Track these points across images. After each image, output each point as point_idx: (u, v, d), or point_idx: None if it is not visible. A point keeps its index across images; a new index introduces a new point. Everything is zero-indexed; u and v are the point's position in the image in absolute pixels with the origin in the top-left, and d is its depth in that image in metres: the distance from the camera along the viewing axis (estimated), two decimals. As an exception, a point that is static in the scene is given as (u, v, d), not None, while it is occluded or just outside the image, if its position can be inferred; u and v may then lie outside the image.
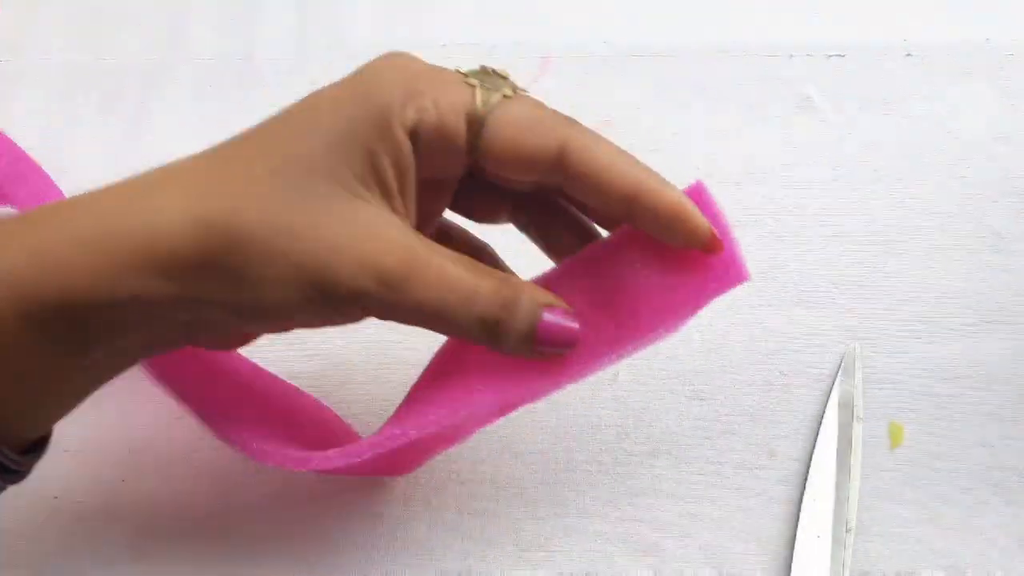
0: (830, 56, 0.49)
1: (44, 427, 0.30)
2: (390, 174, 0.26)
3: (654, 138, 0.47)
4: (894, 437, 0.40)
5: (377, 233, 0.26)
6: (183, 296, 0.25)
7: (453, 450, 0.40)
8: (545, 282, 0.31)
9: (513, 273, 0.33)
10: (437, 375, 0.32)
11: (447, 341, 0.33)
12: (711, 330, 0.42)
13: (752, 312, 0.43)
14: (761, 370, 0.41)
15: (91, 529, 0.39)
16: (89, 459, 0.40)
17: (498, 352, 0.29)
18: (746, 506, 0.39)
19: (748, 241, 0.44)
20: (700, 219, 0.28)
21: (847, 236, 0.44)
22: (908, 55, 0.49)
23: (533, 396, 0.32)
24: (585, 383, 0.41)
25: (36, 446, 0.30)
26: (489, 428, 0.40)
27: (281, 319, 0.27)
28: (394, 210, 0.27)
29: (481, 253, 0.35)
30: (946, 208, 0.45)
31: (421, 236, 0.27)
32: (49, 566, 0.38)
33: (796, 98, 0.48)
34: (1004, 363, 0.41)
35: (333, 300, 0.26)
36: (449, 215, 0.33)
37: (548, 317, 0.28)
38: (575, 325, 0.29)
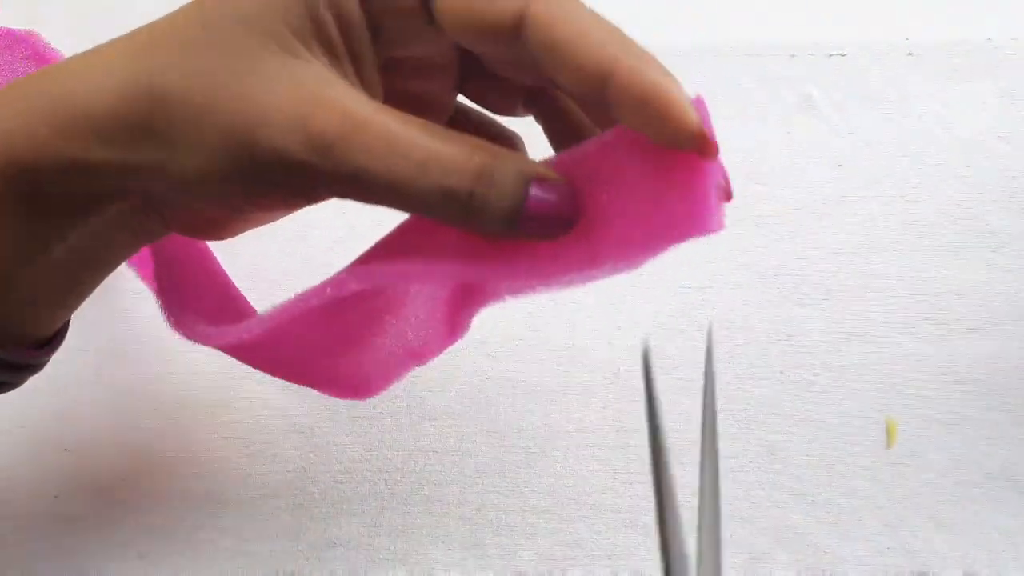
0: (831, 55, 0.49)
1: (48, 324, 0.30)
2: (335, 33, 0.24)
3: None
4: (890, 436, 0.40)
5: (310, 93, 0.23)
6: (122, 162, 0.24)
7: (452, 448, 0.40)
8: None
9: None
10: (389, 246, 0.28)
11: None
12: (712, 330, 0.42)
13: (751, 312, 0.43)
14: (760, 370, 0.41)
15: (91, 528, 0.39)
16: (89, 458, 0.40)
17: (470, 232, 0.25)
18: (745, 505, 0.39)
19: (748, 240, 0.44)
20: (687, 110, 0.22)
21: (847, 235, 0.44)
22: (909, 54, 0.49)
23: (503, 280, 0.27)
24: (584, 383, 0.41)
25: (52, 340, 0.30)
26: (488, 428, 0.40)
27: (221, 192, 0.24)
28: (343, 75, 0.24)
29: (504, 141, 0.30)
30: (946, 207, 0.45)
31: (372, 100, 0.24)
32: (48, 566, 0.38)
33: (797, 97, 0.48)
34: (1003, 363, 0.41)
35: (263, 168, 0.23)
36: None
37: (539, 190, 0.23)
38: (573, 201, 0.24)
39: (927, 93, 0.48)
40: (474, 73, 0.28)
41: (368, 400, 0.41)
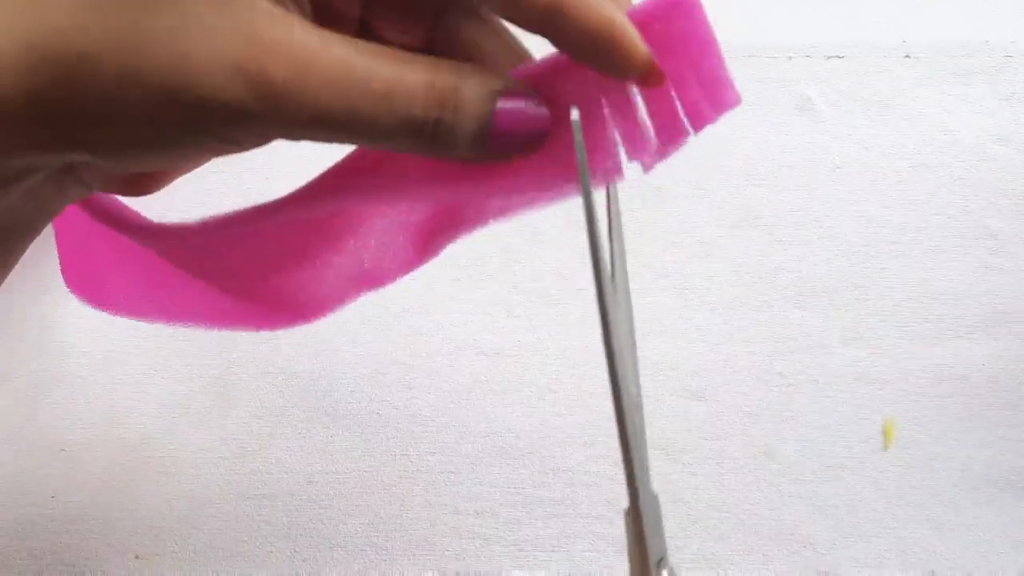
0: (829, 57, 0.49)
1: None
2: None
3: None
4: (888, 436, 0.40)
5: (249, 34, 0.20)
6: (37, 145, 0.21)
7: (451, 448, 0.40)
8: None
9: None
10: (353, 165, 0.26)
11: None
12: (710, 330, 0.42)
13: (751, 313, 0.43)
14: (759, 371, 0.41)
15: (89, 528, 0.39)
16: (86, 459, 0.40)
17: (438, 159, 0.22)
18: (745, 506, 0.39)
19: (748, 242, 0.44)
20: (636, 43, 0.21)
21: (846, 237, 0.44)
22: (907, 56, 0.49)
23: (478, 200, 0.26)
24: (583, 383, 0.41)
25: None
26: (487, 428, 0.40)
27: (159, 157, 0.22)
28: (281, 4, 0.22)
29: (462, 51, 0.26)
30: (944, 209, 0.45)
31: (319, 28, 0.21)
32: (47, 565, 0.38)
33: (795, 99, 0.48)
34: (1001, 364, 0.41)
35: (207, 125, 0.21)
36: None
37: (507, 103, 0.22)
38: (543, 110, 0.22)
39: (925, 95, 0.48)
40: None
41: (362, 401, 0.41)
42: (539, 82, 0.23)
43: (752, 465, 0.39)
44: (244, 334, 0.42)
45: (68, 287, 0.33)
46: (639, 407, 0.23)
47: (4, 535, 0.38)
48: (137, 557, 0.38)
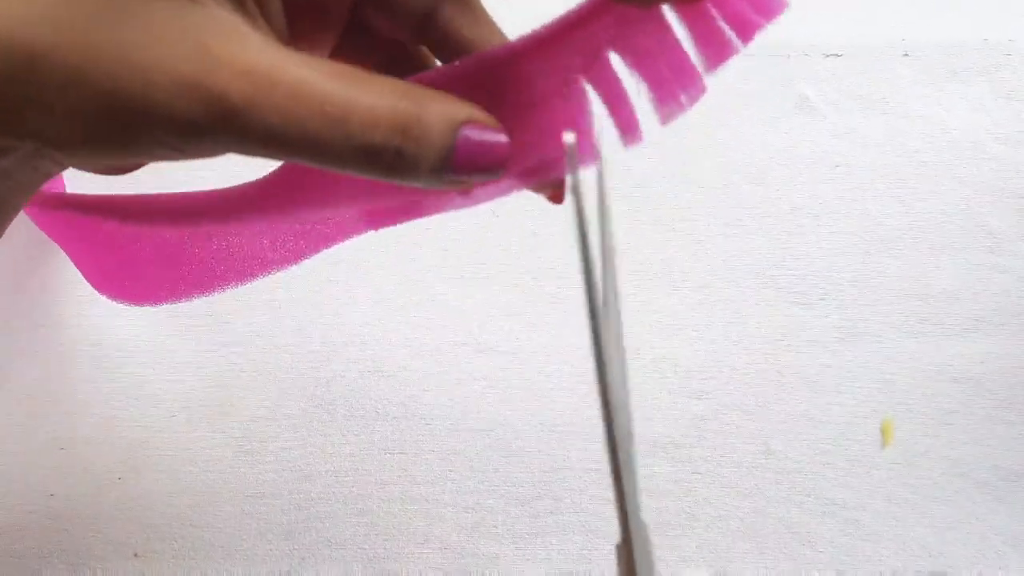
0: (827, 56, 0.49)
1: None
2: None
3: (651, 138, 0.47)
4: (886, 435, 0.40)
5: (205, 48, 0.20)
6: None
7: (451, 448, 0.40)
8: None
9: None
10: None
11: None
12: (709, 329, 0.42)
13: (750, 312, 0.43)
14: (758, 370, 0.41)
15: (88, 527, 0.39)
16: (85, 457, 0.40)
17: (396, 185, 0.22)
18: (743, 505, 0.39)
19: (746, 241, 0.44)
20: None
21: (844, 236, 0.44)
22: (905, 55, 0.49)
23: (425, 208, 0.26)
24: (583, 383, 0.41)
25: None
26: (487, 428, 0.40)
27: (111, 156, 0.22)
28: (242, 13, 0.21)
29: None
30: (943, 208, 0.45)
31: (279, 47, 0.21)
32: (44, 564, 0.38)
33: (794, 98, 0.48)
34: (999, 363, 0.41)
35: (153, 132, 0.20)
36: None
37: (469, 134, 0.21)
38: (503, 139, 0.22)
39: (924, 94, 0.48)
40: None
41: (362, 400, 0.41)
42: (515, 64, 0.23)
43: (751, 464, 0.39)
44: (244, 334, 0.43)
45: (103, 294, 0.33)
46: (631, 436, 0.23)
47: (4, 534, 0.38)
48: (136, 556, 0.38)
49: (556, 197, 0.26)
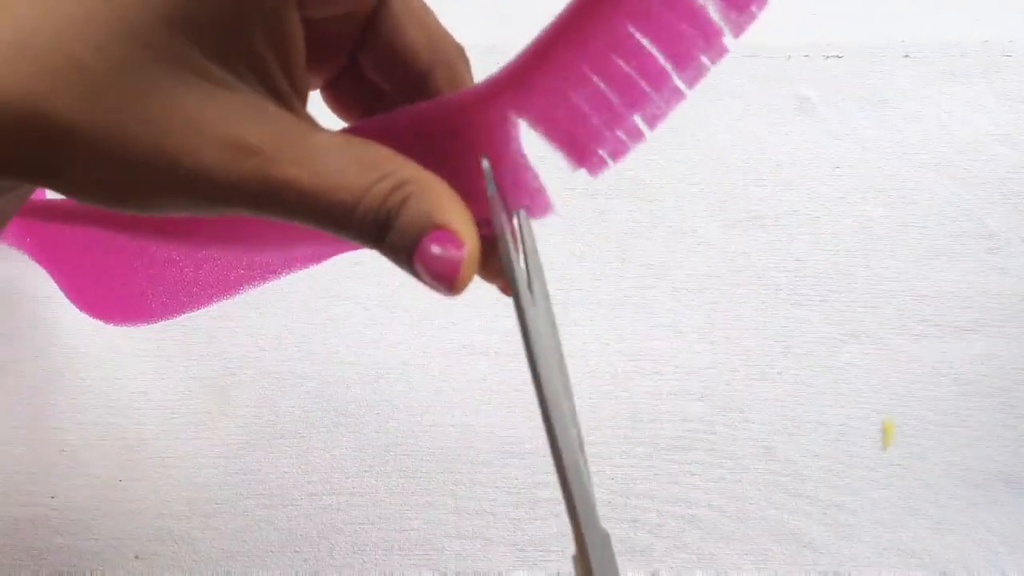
0: (828, 57, 0.49)
1: None
2: (266, 52, 0.21)
3: (652, 139, 0.47)
4: (887, 436, 0.40)
5: (237, 130, 0.21)
6: (9, 179, 0.21)
7: (451, 448, 0.40)
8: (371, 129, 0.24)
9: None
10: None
11: None
12: (709, 330, 0.42)
13: (750, 313, 0.43)
14: (758, 370, 0.41)
15: (88, 529, 0.39)
16: (86, 459, 0.40)
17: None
18: (744, 506, 0.39)
19: (747, 242, 0.44)
20: None
21: (844, 236, 0.44)
22: (906, 56, 0.49)
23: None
24: (583, 383, 0.41)
25: None
26: (487, 428, 0.40)
27: (117, 209, 0.23)
28: (274, 95, 0.22)
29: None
30: (943, 208, 0.45)
31: (298, 121, 0.22)
32: (46, 565, 0.38)
33: (794, 99, 0.48)
34: (999, 363, 0.41)
35: (173, 205, 0.22)
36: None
37: (431, 247, 0.22)
38: (460, 254, 0.23)
39: (924, 95, 0.48)
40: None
41: (361, 402, 0.41)
42: (449, 115, 0.24)
43: (751, 465, 0.39)
44: (244, 336, 0.43)
45: (88, 313, 0.33)
46: (582, 446, 0.23)
47: (4, 535, 0.38)
48: (137, 557, 0.38)
49: (507, 290, 0.27)
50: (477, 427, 0.40)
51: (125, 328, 0.43)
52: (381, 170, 0.22)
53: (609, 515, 0.39)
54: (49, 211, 0.30)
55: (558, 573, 0.38)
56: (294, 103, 0.23)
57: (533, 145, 0.24)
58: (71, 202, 0.29)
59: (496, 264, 0.27)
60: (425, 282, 0.23)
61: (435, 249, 0.22)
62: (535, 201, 0.24)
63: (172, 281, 0.32)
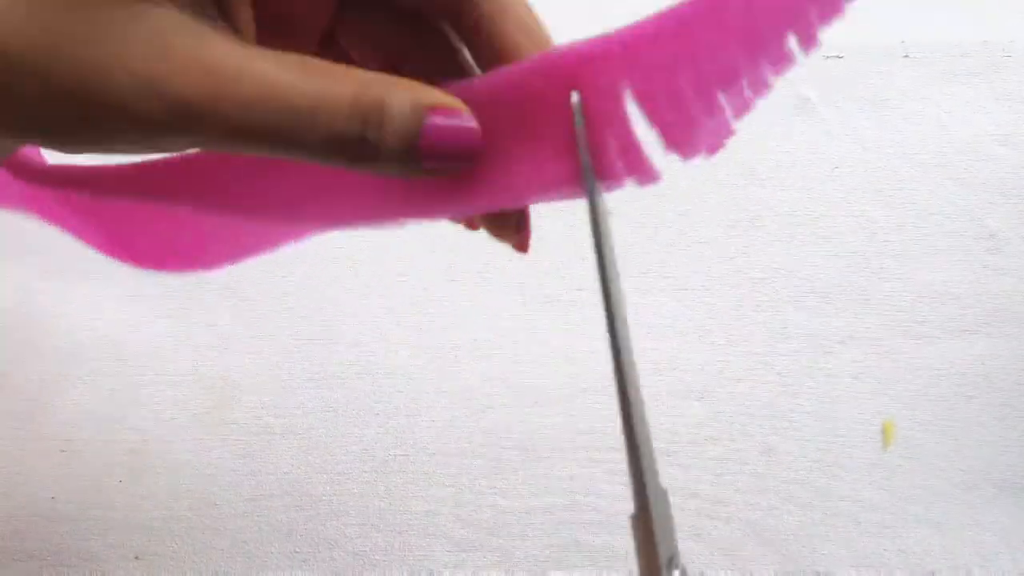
0: (828, 57, 0.49)
1: None
2: None
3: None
4: (887, 436, 0.40)
5: (166, 48, 0.20)
6: None
7: (451, 449, 0.40)
8: None
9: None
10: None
11: None
12: (710, 330, 0.42)
13: (750, 313, 0.43)
14: (758, 371, 0.41)
15: (88, 530, 0.39)
16: (86, 460, 0.40)
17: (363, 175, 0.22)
18: (744, 506, 0.39)
19: (747, 242, 0.44)
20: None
21: (844, 236, 0.44)
22: (906, 56, 0.49)
23: (395, 218, 0.25)
24: (582, 383, 0.41)
25: None
26: (487, 429, 0.40)
27: (75, 148, 0.22)
28: (203, 17, 0.21)
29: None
30: (943, 209, 0.45)
31: (243, 44, 0.21)
32: (47, 565, 0.38)
33: (795, 99, 0.48)
34: (999, 364, 0.41)
35: (118, 130, 0.21)
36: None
37: (436, 120, 0.21)
38: (473, 125, 0.21)
39: (924, 95, 0.48)
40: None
41: (362, 402, 0.41)
42: (553, 71, 0.22)
43: (752, 465, 0.39)
44: (244, 334, 0.43)
45: (138, 264, 0.33)
46: (643, 403, 0.23)
47: (4, 535, 0.38)
48: (137, 557, 0.38)
49: (521, 247, 0.26)
50: (477, 427, 0.40)
51: (126, 329, 0.43)
52: (343, 76, 0.21)
53: (609, 514, 0.39)
54: (56, 176, 0.30)
55: (558, 573, 0.38)
56: (220, 24, 0.22)
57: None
58: (80, 168, 0.28)
59: (509, 221, 0.26)
60: (435, 170, 0.22)
61: (439, 120, 0.21)
62: (639, 168, 0.23)
63: (225, 229, 0.31)
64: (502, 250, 0.40)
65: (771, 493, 0.39)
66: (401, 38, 0.26)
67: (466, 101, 0.22)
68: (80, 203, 0.31)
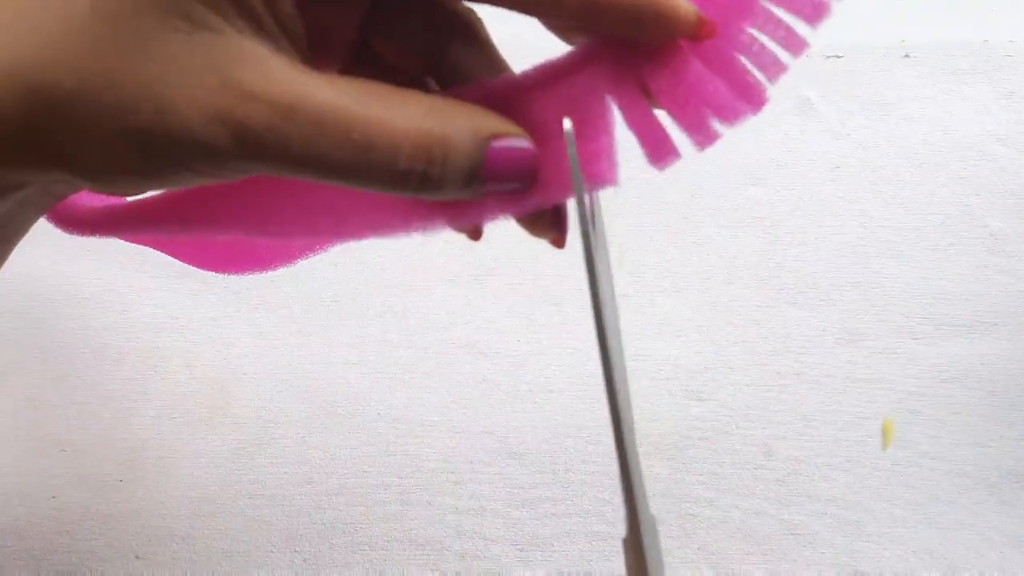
0: (828, 57, 0.49)
1: None
2: None
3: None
4: (887, 436, 0.40)
5: (228, 79, 0.20)
6: (9, 170, 0.21)
7: (451, 448, 0.40)
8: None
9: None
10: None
11: None
12: (709, 330, 0.42)
13: (750, 313, 0.43)
14: (757, 371, 0.41)
15: (89, 529, 0.39)
16: (87, 459, 0.40)
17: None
18: (744, 506, 0.39)
19: (747, 242, 0.44)
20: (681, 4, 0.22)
21: (845, 236, 0.44)
22: (906, 56, 0.49)
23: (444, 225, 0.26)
24: (582, 383, 0.41)
25: None
26: (487, 428, 0.40)
27: (136, 184, 0.22)
28: (263, 37, 0.21)
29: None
30: (943, 209, 0.45)
31: (304, 70, 0.21)
32: (47, 565, 0.38)
33: (795, 99, 0.48)
34: (1000, 364, 0.41)
35: (183, 161, 0.21)
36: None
37: (497, 147, 0.21)
38: (531, 147, 0.22)
39: (924, 95, 0.48)
40: (383, 10, 0.26)
41: (362, 402, 0.41)
42: (536, 91, 0.23)
43: (751, 465, 0.39)
44: (244, 335, 0.43)
45: (198, 266, 0.33)
46: (633, 430, 0.23)
47: (4, 535, 0.38)
48: (137, 557, 0.38)
49: (559, 242, 0.26)
50: (477, 427, 0.40)
51: (125, 329, 0.43)
52: (404, 105, 0.21)
53: (609, 514, 0.39)
54: (103, 223, 0.30)
55: (558, 573, 0.38)
56: (283, 44, 0.22)
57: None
58: (122, 207, 0.29)
59: (546, 217, 0.26)
60: (498, 190, 0.22)
61: (500, 145, 0.21)
62: (606, 172, 0.23)
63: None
64: (502, 250, 0.40)
65: (770, 493, 0.39)
66: (432, 34, 0.26)
67: (496, 99, 0.23)
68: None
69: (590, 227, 0.22)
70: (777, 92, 0.50)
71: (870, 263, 0.44)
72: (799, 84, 0.48)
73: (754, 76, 0.24)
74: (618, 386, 0.23)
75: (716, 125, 0.24)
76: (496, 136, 0.21)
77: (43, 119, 0.20)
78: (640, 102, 0.23)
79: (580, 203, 0.22)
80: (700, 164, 0.46)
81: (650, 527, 0.23)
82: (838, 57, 0.49)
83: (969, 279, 0.43)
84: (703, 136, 0.24)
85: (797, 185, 0.46)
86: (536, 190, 0.23)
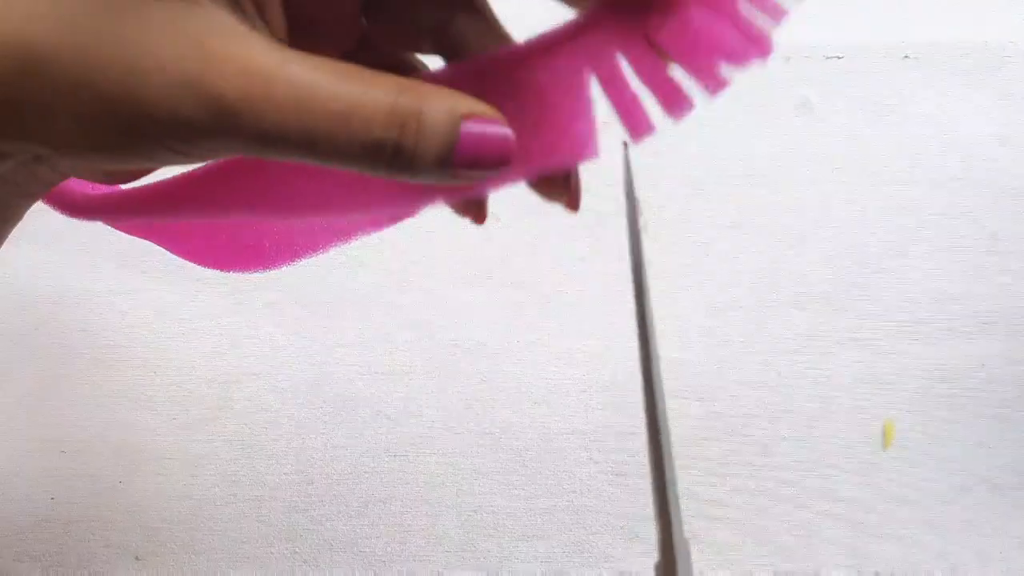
0: (828, 58, 0.49)
1: None
2: None
3: (653, 140, 0.47)
4: (887, 437, 0.40)
5: (202, 47, 0.20)
6: None
7: (451, 448, 0.40)
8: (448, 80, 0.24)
9: None
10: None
11: None
12: (709, 330, 0.42)
13: (750, 313, 0.43)
14: (757, 371, 0.41)
15: (88, 530, 0.39)
16: (86, 460, 0.40)
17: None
18: (744, 506, 0.39)
19: (747, 242, 0.44)
20: None
21: (845, 237, 0.44)
22: (906, 57, 0.49)
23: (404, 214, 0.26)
24: (583, 383, 0.41)
25: None
26: (487, 428, 0.40)
27: (114, 159, 0.22)
28: (240, 13, 0.21)
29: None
30: (943, 209, 0.45)
31: (280, 47, 0.21)
32: (46, 566, 0.38)
33: (794, 100, 0.48)
34: (1000, 363, 0.41)
35: (155, 134, 0.20)
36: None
37: (471, 128, 0.21)
38: (507, 132, 0.22)
39: (924, 96, 0.48)
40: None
41: (362, 401, 0.41)
42: (523, 64, 0.23)
43: (751, 465, 0.39)
44: (244, 335, 0.43)
45: (199, 263, 0.33)
46: (671, 453, 0.23)
47: (4, 535, 0.38)
48: (138, 559, 0.38)
49: (572, 204, 0.26)
50: (478, 427, 0.40)
51: (125, 329, 0.43)
52: (379, 82, 0.21)
53: (609, 513, 0.39)
54: (98, 207, 0.30)
55: (558, 572, 0.38)
56: (259, 25, 0.22)
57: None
58: (119, 193, 0.29)
59: (558, 181, 0.26)
60: (469, 178, 0.22)
61: (475, 127, 0.21)
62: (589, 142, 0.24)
63: (278, 229, 0.32)
64: (502, 250, 0.40)
65: (770, 493, 0.39)
66: (436, 9, 0.26)
67: (489, 73, 0.23)
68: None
69: (639, 232, 0.22)
70: (777, 92, 0.50)
71: (870, 263, 0.44)
72: (799, 84, 0.48)
73: (758, 20, 0.25)
74: (660, 400, 0.22)
75: (726, 70, 0.25)
76: (470, 116, 0.21)
77: (16, 85, 0.20)
78: (650, 55, 0.23)
79: (631, 207, 0.22)
80: (700, 165, 0.46)
81: (684, 552, 0.22)
82: (838, 57, 0.49)
83: (969, 280, 0.43)
84: (714, 82, 0.24)
85: (797, 186, 0.46)
86: (536, 156, 0.23)
